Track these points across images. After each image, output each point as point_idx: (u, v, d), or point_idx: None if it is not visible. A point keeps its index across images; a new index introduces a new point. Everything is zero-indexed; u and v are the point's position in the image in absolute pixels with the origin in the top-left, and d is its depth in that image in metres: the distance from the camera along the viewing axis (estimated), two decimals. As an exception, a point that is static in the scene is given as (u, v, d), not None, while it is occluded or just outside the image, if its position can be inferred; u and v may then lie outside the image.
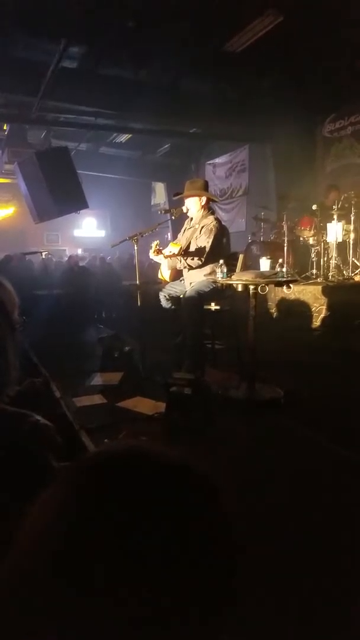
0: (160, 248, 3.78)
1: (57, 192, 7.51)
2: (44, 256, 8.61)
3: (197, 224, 3.91)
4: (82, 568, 0.37)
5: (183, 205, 4.02)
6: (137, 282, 4.23)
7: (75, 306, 6.27)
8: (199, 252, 3.73)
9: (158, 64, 7.01)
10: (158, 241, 3.82)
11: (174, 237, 4.21)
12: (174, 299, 3.95)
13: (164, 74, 7.46)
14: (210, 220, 3.82)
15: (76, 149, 10.95)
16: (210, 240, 3.72)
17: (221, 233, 3.80)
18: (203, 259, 3.71)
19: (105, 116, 8.65)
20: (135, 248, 4.16)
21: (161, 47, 6.39)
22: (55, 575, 0.37)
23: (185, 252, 3.82)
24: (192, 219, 4.03)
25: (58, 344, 4.78)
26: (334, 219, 5.70)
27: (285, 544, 1.73)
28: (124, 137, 11.02)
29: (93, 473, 0.43)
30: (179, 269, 3.95)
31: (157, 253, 3.77)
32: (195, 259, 3.73)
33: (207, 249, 3.70)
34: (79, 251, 14.40)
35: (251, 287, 3.36)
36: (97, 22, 5.74)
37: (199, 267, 3.76)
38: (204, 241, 3.75)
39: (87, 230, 16.42)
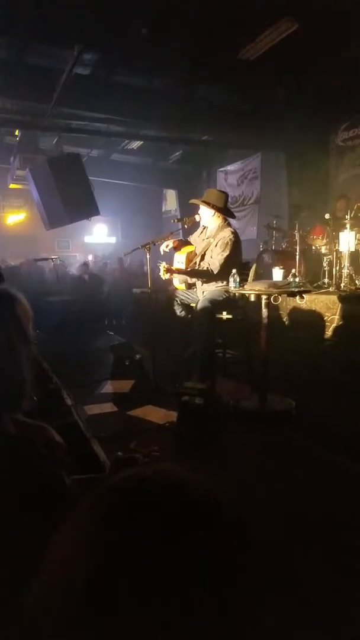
0: (169, 266, 3.77)
1: (69, 199, 7.55)
2: (54, 262, 8.65)
3: (213, 237, 3.86)
4: (113, 597, 0.37)
5: (196, 213, 3.99)
6: (149, 289, 4.22)
7: (85, 313, 6.28)
8: (213, 270, 3.70)
9: (171, 71, 7.04)
10: (164, 263, 3.80)
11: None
12: (186, 307, 3.93)
13: (176, 82, 7.50)
14: (227, 234, 3.78)
15: (88, 156, 11.03)
16: (226, 255, 3.69)
17: (237, 246, 3.78)
18: (218, 276, 3.69)
19: (117, 123, 8.71)
20: (148, 256, 4.15)
21: (174, 54, 6.41)
22: (87, 602, 0.38)
23: (191, 272, 3.78)
24: (205, 227, 4.00)
25: (69, 351, 4.79)
26: (346, 228, 5.66)
27: (298, 559, 1.70)
28: (135, 144, 11.07)
29: (121, 502, 0.43)
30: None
31: (170, 273, 3.76)
32: (209, 277, 3.73)
33: (221, 263, 3.67)
34: (90, 257, 14.44)
35: (264, 297, 3.34)
36: (111, 29, 5.78)
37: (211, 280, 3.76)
38: (219, 255, 3.71)
39: (98, 237, 16.50)
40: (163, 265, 3.77)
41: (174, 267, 3.83)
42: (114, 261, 11.67)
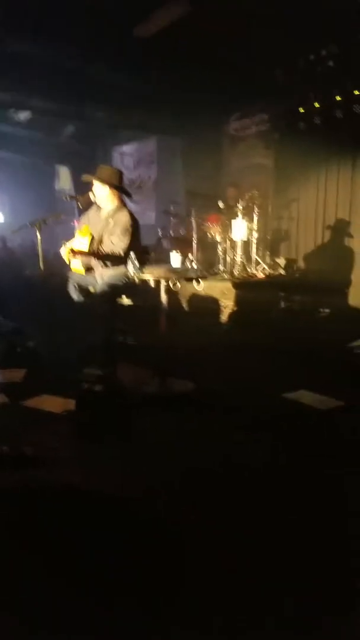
0: (74, 249, 3.54)
1: None
2: None
3: (111, 217, 3.69)
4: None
5: (90, 190, 3.78)
6: (41, 271, 3.99)
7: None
8: (115, 255, 3.54)
9: (62, 41, 6.64)
10: (68, 245, 3.59)
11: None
12: (84, 291, 3.75)
13: (68, 53, 7.09)
14: (125, 217, 3.61)
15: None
16: (127, 241, 3.54)
17: (136, 230, 3.67)
18: (120, 260, 3.56)
19: (2, 90, 8.02)
20: (38, 235, 3.89)
21: (66, 23, 6.03)
22: None
23: (100, 255, 3.62)
24: (100, 207, 3.82)
25: None
26: (238, 217, 5.89)
27: (207, 527, 1.74)
28: (24, 115, 10.32)
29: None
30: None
31: (73, 254, 3.54)
32: (112, 261, 3.57)
33: (123, 250, 3.53)
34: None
35: (163, 282, 3.36)
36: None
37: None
38: (120, 240, 3.54)
39: (-18, 214, 15.23)
40: (67, 247, 3.54)
41: (77, 249, 3.59)
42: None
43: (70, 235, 3.92)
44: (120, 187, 3.75)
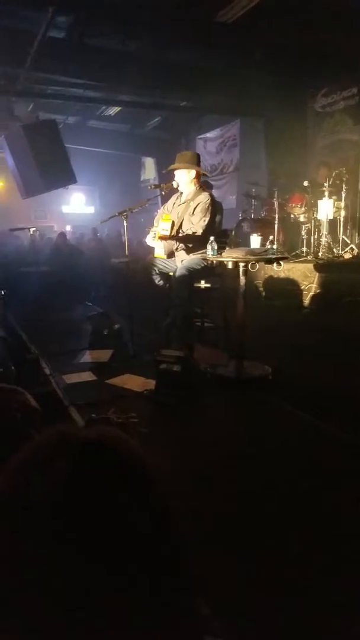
0: (160, 232, 3.71)
1: (45, 166, 7.37)
2: (32, 232, 8.48)
3: (191, 200, 3.81)
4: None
5: (173, 179, 3.93)
6: (127, 259, 4.18)
7: (63, 284, 6.22)
8: (196, 235, 3.67)
9: (147, 34, 6.80)
10: (157, 230, 3.75)
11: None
12: (164, 276, 3.91)
13: (153, 45, 7.25)
14: (205, 198, 3.74)
15: (64, 122, 10.72)
16: (207, 220, 3.67)
17: (215, 211, 3.76)
18: (200, 242, 3.65)
19: (93, 88, 8.44)
20: (125, 224, 4.08)
21: (150, 17, 6.19)
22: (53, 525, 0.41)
23: (181, 237, 3.75)
24: (182, 193, 3.95)
25: (47, 322, 4.77)
26: (324, 196, 5.66)
27: (269, 515, 1.77)
28: (113, 110, 10.76)
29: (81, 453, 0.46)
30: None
31: (163, 240, 3.71)
32: (194, 242, 3.69)
33: (203, 230, 3.65)
34: (68, 228, 14.19)
35: (241, 264, 3.36)
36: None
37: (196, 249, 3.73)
38: (200, 220, 3.68)
39: (76, 207, 16.17)
40: (157, 232, 3.73)
41: (160, 234, 3.76)
42: (90, 231, 11.53)
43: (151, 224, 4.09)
44: (190, 166, 3.84)
